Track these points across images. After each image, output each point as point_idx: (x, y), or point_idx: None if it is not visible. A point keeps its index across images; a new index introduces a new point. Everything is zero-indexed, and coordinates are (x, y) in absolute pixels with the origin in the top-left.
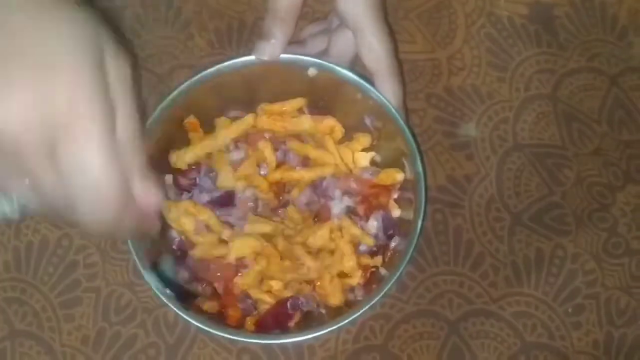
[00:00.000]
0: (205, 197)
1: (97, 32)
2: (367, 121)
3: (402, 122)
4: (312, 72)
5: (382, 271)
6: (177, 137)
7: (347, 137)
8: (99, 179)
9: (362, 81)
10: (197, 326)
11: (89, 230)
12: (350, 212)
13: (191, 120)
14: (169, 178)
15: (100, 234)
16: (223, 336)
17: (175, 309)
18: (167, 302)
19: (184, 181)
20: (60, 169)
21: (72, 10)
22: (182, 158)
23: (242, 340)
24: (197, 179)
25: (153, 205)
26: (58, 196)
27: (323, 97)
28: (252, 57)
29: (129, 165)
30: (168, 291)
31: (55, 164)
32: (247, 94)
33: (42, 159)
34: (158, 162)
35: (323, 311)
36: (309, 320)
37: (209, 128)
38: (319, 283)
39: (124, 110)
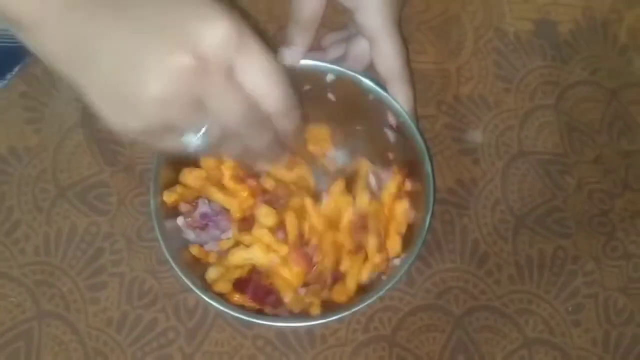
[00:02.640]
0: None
1: None
2: (391, 119)
3: (413, 125)
4: (330, 77)
5: (396, 261)
6: None
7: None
8: (278, 79)
9: (377, 87)
10: (216, 307)
11: (249, 151)
12: None
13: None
14: (180, 220)
15: (258, 152)
16: (241, 318)
17: (196, 290)
18: (188, 284)
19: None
20: (242, 84)
21: None
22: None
23: (257, 322)
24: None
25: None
26: (233, 119)
27: (343, 105)
28: None
29: None
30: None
31: (235, 83)
32: None
33: (224, 81)
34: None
35: None
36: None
37: None
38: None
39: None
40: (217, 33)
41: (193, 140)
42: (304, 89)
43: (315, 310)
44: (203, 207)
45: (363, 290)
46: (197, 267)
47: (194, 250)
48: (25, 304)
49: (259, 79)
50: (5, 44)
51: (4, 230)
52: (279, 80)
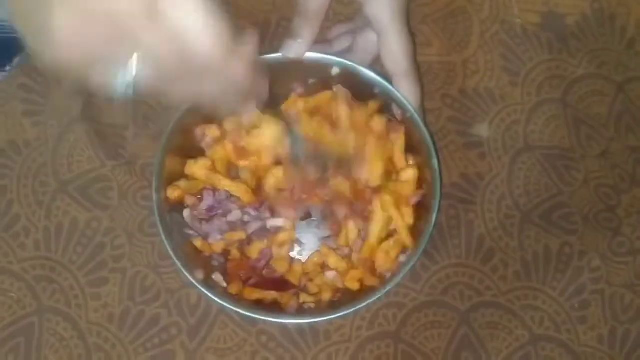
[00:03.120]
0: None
1: None
2: (394, 109)
3: (419, 119)
4: (335, 70)
5: (402, 257)
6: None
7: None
8: (202, 28)
9: (384, 81)
10: (219, 304)
11: (202, 96)
12: None
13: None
14: (187, 212)
15: (213, 98)
16: (245, 314)
17: (199, 287)
18: (192, 281)
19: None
20: (164, 28)
21: None
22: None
23: (262, 319)
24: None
25: (252, 60)
26: (166, 59)
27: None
28: (279, 55)
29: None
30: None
31: (159, 25)
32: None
33: (146, 23)
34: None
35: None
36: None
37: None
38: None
39: None
40: None
41: (121, 76)
42: (309, 82)
43: (327, 296)
44: (208, 200)
45: (382, 278)
46: (199, 262)
47: (198, 243)
48: (25, 300)
49: (187, 18)
50: (4, 35)
51: (3, 225)
52: (212, 24)
